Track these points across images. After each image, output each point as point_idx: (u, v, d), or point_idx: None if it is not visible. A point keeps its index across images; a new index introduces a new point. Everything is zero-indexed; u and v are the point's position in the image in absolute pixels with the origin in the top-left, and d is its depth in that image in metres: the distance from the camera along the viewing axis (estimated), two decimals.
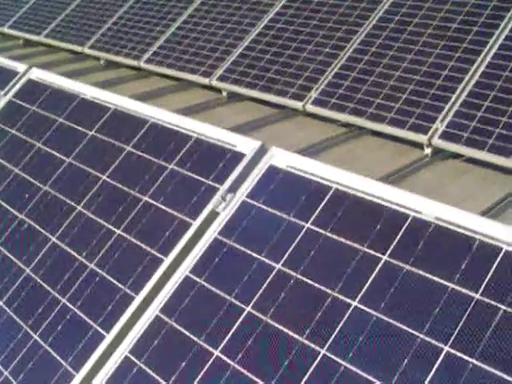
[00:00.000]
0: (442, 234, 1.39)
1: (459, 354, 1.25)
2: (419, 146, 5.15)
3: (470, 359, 1.23)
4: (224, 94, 6.20)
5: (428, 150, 5.13)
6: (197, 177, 1.82)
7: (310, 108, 5.57)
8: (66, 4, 8.21)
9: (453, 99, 5.18)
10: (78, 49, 7.33)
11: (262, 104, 6.01)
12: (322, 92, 5.61)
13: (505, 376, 1.19)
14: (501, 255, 1.32)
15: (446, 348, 1.26)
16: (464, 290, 1.31)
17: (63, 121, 2.30)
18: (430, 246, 1.39)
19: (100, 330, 1.68)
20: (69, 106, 2.34)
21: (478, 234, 1.37)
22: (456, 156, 5.22)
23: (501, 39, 5.45)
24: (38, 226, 2.04)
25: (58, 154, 2.21)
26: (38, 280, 1.90)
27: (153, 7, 7.33)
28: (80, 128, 2.23)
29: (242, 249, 1.60)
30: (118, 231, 1.86)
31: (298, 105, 5.61)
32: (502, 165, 4.81)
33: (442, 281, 1.34)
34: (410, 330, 1.31)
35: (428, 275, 1.36)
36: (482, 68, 5.30)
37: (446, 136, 5.01)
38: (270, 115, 5.74)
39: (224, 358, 1.46)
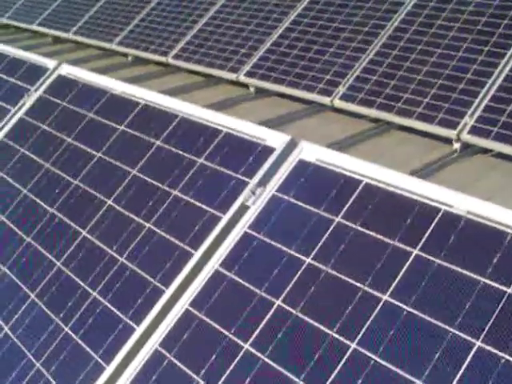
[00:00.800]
0: (473, 228, 1.38)
1: (491, 349, 1.24)
2: (448, 141, 5.12)
3: (502, 354, 1.22)
4: (251, 89, 6.20)
5: (457, 145, 5.09)
6: (226, 171, 1.82)
7: (338, 103, 5.56)
8: (94, 1, 8.26)
9: (482, 94, 5.14)
10: (106, 45, 7.37)
11: (289, 99, 6.01)
12: (349, 87, 5.59)
13: None
14: None
15: (478, 343, 1.26)
16: (496, 285, 1.30)
17: (93, 116, 2.32)
18: (461, 240, 1.38)
19: (130, 323, 1.70)
20: (98, 101, 2.35)
21: (511, 228, 1.35)
22: (485, 151, 5.18)
23: None
24: (68, 220, 2.06)
25: (88, 149, 2.22)
26: (69, 273, 1.92)
27: (180, 3, 7.34)
28: (110, 123, 2.24)
29: (272, 243, 1.60)
30: (148, 225, 1.87)
31: (326, 100, 5.60)
32: None
33: (473, 275, 1.33)
34: (441, 325, 1.30)
35: (459, 269, 1.35)
36: None
37: (475, 131, 4.98)
38: (297, 110, 5.74)
39: (254, 351, 1.46)
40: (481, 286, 1.31)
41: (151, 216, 1.88)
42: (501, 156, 5.06)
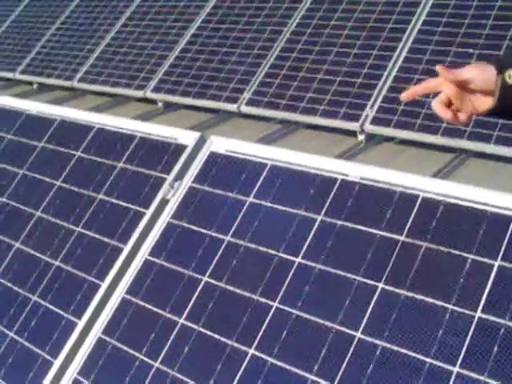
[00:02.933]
0: (367, 191, 1.58)
1: (393, 289, 1.44)
2: (353, 133, 5.37)
3: (402, 291, 1.43)
4: (160, 104, 6.34)
5: (361, 137, 5.35)
6: (145, 171, 1.98)
7: (245, 109, 5.75)
8: None
9: (379, 86, 5.41)
10: (9, 75, 7.37)
11: (198, 110, 6.16)
12: (254, 92, 5.78)
13: (433, 300, 1.39)
14: (419, 201, 1.51)
15: (381, 285, 1.45)
16: (390, 235, 1.50)
17: (11, 137, 2.44)
18: (358, 202, 1.58)
19: (72, 318, 1.83)
20: (15, 123, 2.47)
21: (399, 186, 1.56)
22: (389, 139, 5.45)
23: (418, 24, 5.70)
24: (0, 236, 2.17)
25: (10, 168, 2.34)
26: (8, 284, 2.03)
27: (80, 27, 7.42)
28: (29, 141, 2.36)
29: (194, 228, 1.76)
30: (78, 229, 2.00)
31: (233, 107, 5.78)
32: (432, 142, 5.05)
33: (371, 230, 1.53)
34: (348, 275, 1.50)
35: (359, 226, 1.55)
36: (404, 53, 5.54)
37: (376, 121, 5.24)
38: (206, 120, 5.91)
39: (189, 324, 1.62)
40: (378, 238, 1.51)
41: (80, 220, 2.02)
42: (404, 142, 5.33)
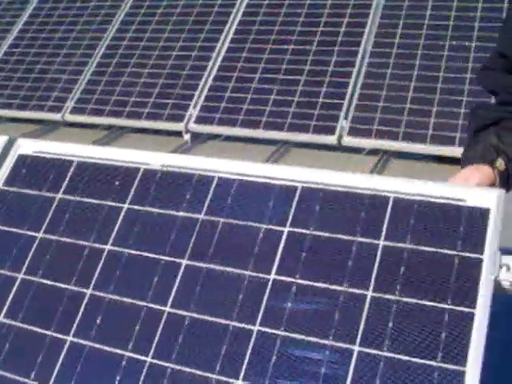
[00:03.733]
0: (168, 176, 1.70)
1: (195, 263, 1.56)
2: (179, 134, 5.49)
3: (204, 265, 1.55)
4: None
5: (187, 136, 5.48)
6: None
7: (69, 117, 5.73)
8: None
9: (201, 86, 5.56)
10: None
11: (22, 123, 6.05)
12: (77, 100, 5.78)
13: (231, 269, 1.52)
14: (215, 181, 1.65)
15: (185, 261, 1.57)
16: (191, 215, 1.63)
17: None
18: (160, 188, 1.69)
19: None
20: None
21: (197, 170, 1.69)
22: (215, 137, 5.62)
23: (235, 24, 5.89)
24: None
25: None
26: None
27: None
28: None
29: (7, 229, 1.81)
30: None
31: (57, 116, 5.76)
32: (254, 136, 5.26)
33: (172, 212, 1.65)
34: (155, 256, 1.60)
35: (162, 211, 1.66)
36: (223, 53, 5.72)
37: (200, 120, 5.39)
38: (31, 132, 5.83)
39: (7, 321, 1.66)
40: (180, 218, 1.63)
41: None
42: (229, 138, 5.51)
